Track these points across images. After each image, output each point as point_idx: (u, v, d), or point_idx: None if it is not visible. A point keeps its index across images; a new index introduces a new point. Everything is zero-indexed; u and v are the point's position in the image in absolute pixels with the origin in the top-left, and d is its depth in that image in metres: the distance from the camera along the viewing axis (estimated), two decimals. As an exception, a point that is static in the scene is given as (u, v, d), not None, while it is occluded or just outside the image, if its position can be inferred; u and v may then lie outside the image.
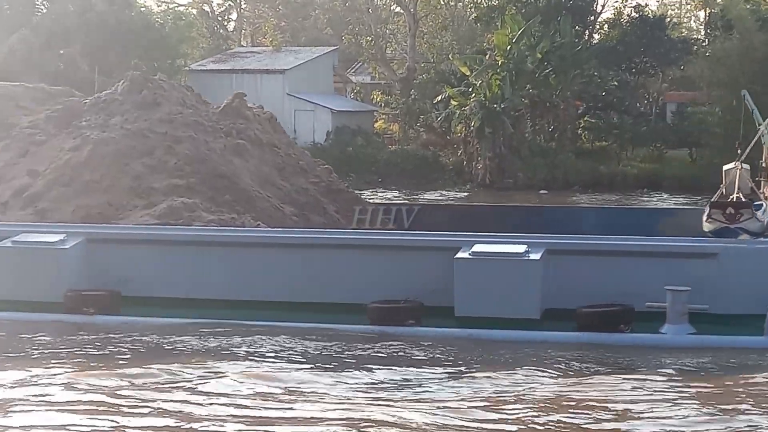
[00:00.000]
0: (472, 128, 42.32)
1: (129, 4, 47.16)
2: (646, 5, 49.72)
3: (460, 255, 13.65)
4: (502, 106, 41.36)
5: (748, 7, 43.41)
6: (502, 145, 42.28)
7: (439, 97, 46.08)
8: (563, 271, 13.62)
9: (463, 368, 11.37)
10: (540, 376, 10.95)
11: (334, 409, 9.31)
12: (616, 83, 45.69)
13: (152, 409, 9.33)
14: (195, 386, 10.11)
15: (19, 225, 15.22)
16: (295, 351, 11.95)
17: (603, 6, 50.81)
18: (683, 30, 59.80)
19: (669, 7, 68.19)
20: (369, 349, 12.24)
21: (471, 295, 13.47)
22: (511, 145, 42.76)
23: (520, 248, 13.66)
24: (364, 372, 10.98)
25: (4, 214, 16.57)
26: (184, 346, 12.17)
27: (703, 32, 55.63)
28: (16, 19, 43.76)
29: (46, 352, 11.94)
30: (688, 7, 69.22)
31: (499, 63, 42.14)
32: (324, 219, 17.97)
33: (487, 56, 44.15)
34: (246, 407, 9.37)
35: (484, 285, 13.55)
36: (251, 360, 11.42)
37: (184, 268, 14.12)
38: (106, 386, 10.06)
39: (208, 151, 17.73)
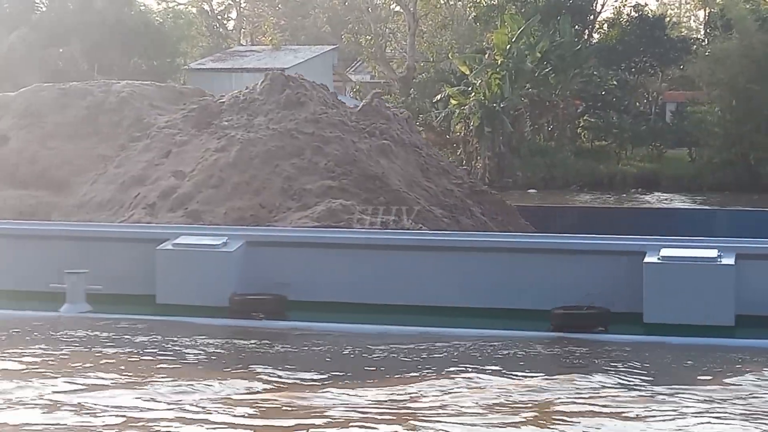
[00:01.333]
0: (471, 127, 42.35)
1: (128, 2, 47.14)
2: (646, 5, 49.76)
3: (648, 259, 13.45)
4: (502, 105, 41.37)
5: (748, 6, 43.43)
6: (502, 145, 42.30)
7: (439, 96, 46.08)
8: (754, 275, 13.35)
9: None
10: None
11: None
12: (615, 83, 45.71)
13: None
14: (411, 398, 9.42)
15: (175, 227, 14.86)
16: (505, 359, 11.27)
17: (602, 5, 50.85)
18: (683, 29, 59.80)
19: (668, 6, 68.23)
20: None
21: (662, 301, 13.20)
22: (510, 144, 42.79)
23: (713, 253, 13.48)
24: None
25: (152, 215, 16.22)
26: (370, 354, 11.58)
27: (702, 32, 55.62)
28: (15, 17, 43.74)
29: (223, 358, 11.46)
30: (688, 6, 69.30)
31: (499, 62, 42.14)
32: (472, 221, 17.37)
33: (487, 55, 44.16)
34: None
35: (675, 291, 13.33)
36: (461, 367, 10.63)
37: (349, 271, 13.73)
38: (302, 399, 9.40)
39: (356, 152, 17.17)
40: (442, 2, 58.78)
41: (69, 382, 10.13)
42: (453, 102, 43.60)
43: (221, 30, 67.61)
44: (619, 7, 50.46)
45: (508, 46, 41.84)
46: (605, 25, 50.10)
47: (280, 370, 10.55)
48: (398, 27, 59.95)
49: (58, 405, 9.28)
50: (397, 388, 9.80)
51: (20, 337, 12.56)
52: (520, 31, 41.65)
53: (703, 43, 47.76)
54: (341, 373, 10.46)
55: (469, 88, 43.05)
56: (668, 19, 51.90)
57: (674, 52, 46.16)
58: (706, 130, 42.17)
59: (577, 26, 46.31)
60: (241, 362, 11.15)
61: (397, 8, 58.69)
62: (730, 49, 40.70)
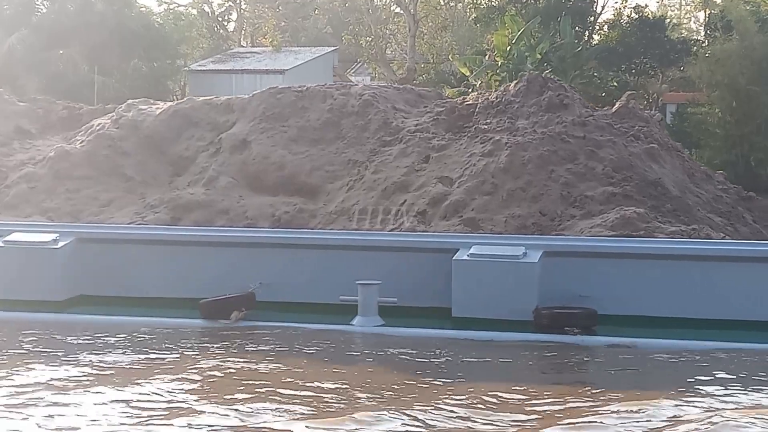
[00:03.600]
0: (471, 128, 42.33)
1: (129, 4, 47.11)
2: (646, 6, 49.77)
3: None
4: (502, 106, 41.34)
5: (748, 8, 43.40)
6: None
7: (439, 98, 46.03)
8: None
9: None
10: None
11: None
12: (615, 84, 45.65)
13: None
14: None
15: (467, 237, 14.42)
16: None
17: (603, 7, 50.83)
18: (683, 31, 59.75)
19: (669, 8, 68.19)
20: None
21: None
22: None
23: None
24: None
25: (425, 223, 15.88)
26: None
27: (702, 33, 55.58)
28: (15, 18, 43.70)
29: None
30: (688, 8, 69.23)
31: (499, 63, 42.11)
32: (749, 229, 16.85)
33: (487, 57, 44.12)
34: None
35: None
36: None
37: (664, 284, 13.13)
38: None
39: (630, 156, 16.69)
40: (443, 4, 58.75)
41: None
42: (453, 103, 43.55)
43: (222, 31, 67.55)
44: (620, 8, 50.40)
45: (508, 48, 41.81)
46: (605, 26, 50.04)
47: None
48: (398, 28, 59.89)
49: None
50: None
51: (320, 352, 12.02)
52: (520, 32, 41.63)
53: (704, 45, 47.71)
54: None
55: (470, 90, 42.97)
56: (668, 20, 51.86)
57: (674, 53, 46.11)
58: (707, 131, 42.10)
59: (577, 28, 46.26)
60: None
61: (398, 10, 58.64)
62: (731, 51, 40.62)
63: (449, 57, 50.83)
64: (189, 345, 12.59)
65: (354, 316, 13.59)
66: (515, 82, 18.36)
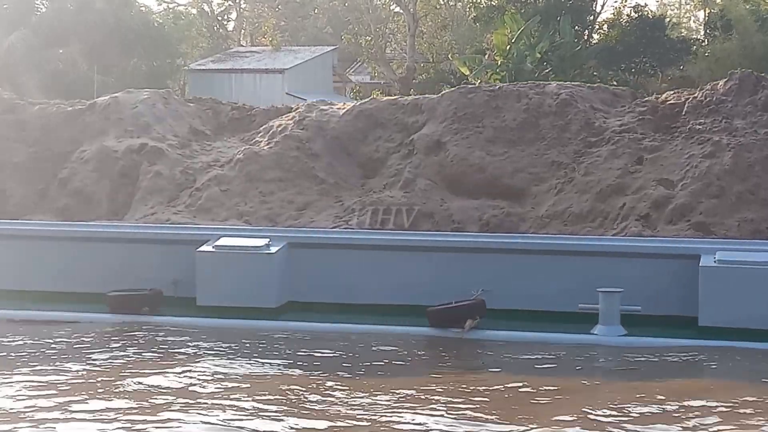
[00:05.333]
0: (471, 128, 42.28)
1: (128, 3, 47.08)
2: (646, 5, 49.66)
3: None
4: (502, 105, 41.32)
5: (748, 7, 43.38)
6: (502, 145, 42.25)
7: (439, 97, 46.00)
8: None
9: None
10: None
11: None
12: (615, 83, 45.62)
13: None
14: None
15: (709, 242, 14.09)
16: None
17: (602, 6, 50.82)
18: (683, 30, 59.71)
19: (668, 7, 68.17)
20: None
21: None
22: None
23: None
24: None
25: (649, 227, 15.53)
26: None
27: (702, 32, 55.55)
28: (15, 18, 43.67)
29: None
30: (688, 7, 69.23)
31: (499, 63, 42.09)
32: None
33: (487, 56, 44.10)
34: None
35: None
36: None
37: None
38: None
39: None
40: (442, 3, 58.73)
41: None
42: (453, 103, 43.51)
43: (221, 31, 67.54)
44: (619, 7, 50.38)
45: (507, 47, 41.80)
46: (605, 25, 50.01)
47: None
48: (398, 28, 59.89)
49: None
50: None
51: (561, 361, 11.73)
52: (519, 31, 41.61)
53: (703, 44, 47.70)
54: None
55: (469, 89, 43.00)
56: (668, 19, 51.82)
57: (674, 52, 46.08)
58: (706, 130, 42.16)
59: (577, 27, 46.23)
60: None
61: (397, 9, 58.63)
62: (730, 50, 40.65)
63: (449, 56, 50.82)
64: (419, 354, 12.41)
65: (594, 324, 13.33)
66: (724, 80, 17.72)
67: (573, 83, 19.52)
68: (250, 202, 18.00)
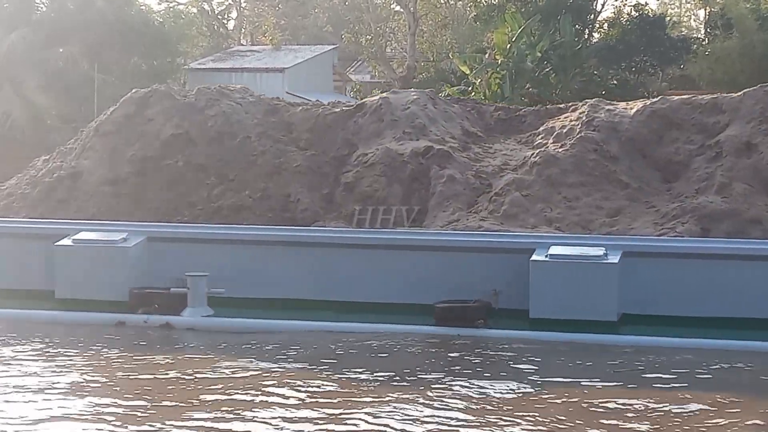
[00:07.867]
0: (471, 127, 42.26)
1: (129, 2, 47.07)
2: (646, 4, 49.65)
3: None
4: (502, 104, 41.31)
5: (748, 6, 43.37)
6: (502, 144, 42.22)
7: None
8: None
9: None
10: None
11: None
12: (615, 82, 45.65)
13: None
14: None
15: None
16: None
17: (603, 5, 50.81)
18: (683, 29, 59.76)
19: (669, 6, 68.19)
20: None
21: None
22: (510, 143, 42.70)
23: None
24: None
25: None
26: None
27: (702, 31, 55.59)
28: (15, 16, 43.66)
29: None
30: (688, 6, 69.27)
31: (499, 62, 42.09)
32: None
33: (487, 55, 44.11)
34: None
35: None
36: None
37: None
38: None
39: None
40: (442, 2, 58.75)
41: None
42: (453, 102, 43.49)
43: (221, 30, 67.57)
44: (620, 6, 50.42)
45: (508, 46, 41.79)
46: (606, 24, 50.05)
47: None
48: (398, 26, 59.91)
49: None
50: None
51: None
52: (520, 30, 41.60)
53: (704, 43, 47.72)
54: None
55: (470, 88, 42.99)
56: (668, 18, 51.86)
57: (674, 51, 46.10)
58: (707, 129, 42.14)
59: (577, 26, 46.24)
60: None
61: (398, 8, 58.66)
62: (731, 49, 40.64)
63: (449, 55, 50.83)
64: None
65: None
66: None
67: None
68: (555, 208, 17.18)
